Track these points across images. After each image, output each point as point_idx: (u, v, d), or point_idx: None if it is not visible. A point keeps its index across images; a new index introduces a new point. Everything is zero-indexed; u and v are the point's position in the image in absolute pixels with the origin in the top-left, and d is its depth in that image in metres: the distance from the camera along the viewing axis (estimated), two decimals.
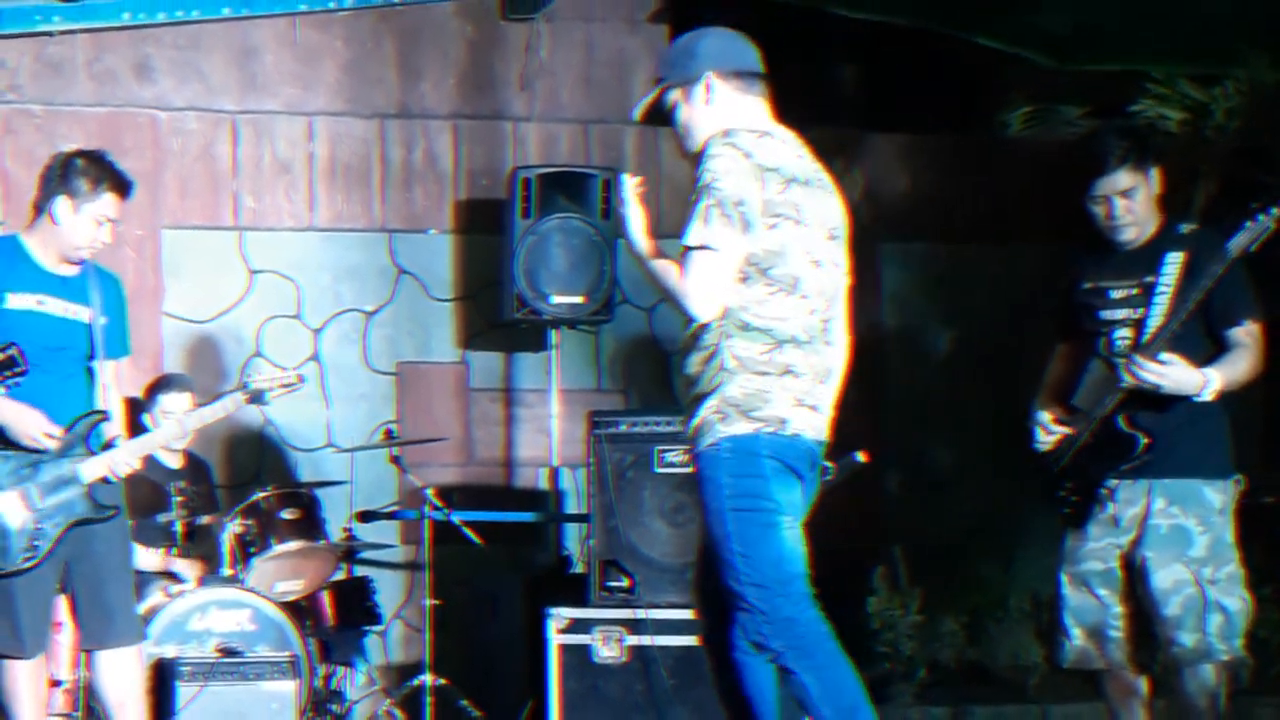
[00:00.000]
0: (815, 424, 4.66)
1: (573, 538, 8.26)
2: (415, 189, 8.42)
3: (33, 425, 5.74)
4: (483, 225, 8.32)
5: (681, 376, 4.72)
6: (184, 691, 6.69)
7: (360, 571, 7.83)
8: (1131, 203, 5.38)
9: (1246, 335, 5.34)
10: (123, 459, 5.86)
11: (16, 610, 5.77)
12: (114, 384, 6.02)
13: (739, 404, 4.56)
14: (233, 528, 7.11)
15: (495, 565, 8.00)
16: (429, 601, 7.39)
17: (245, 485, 7.78)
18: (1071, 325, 5.57)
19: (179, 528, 6.98)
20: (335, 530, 7.56)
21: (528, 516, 8.24)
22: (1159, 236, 5.41)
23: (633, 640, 7.00)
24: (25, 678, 5.84)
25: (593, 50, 8.63)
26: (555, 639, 7.01)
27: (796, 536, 4.62)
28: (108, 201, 5.85)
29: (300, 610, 7.19)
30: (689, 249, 4.54)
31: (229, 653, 6.83)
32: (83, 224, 5.83)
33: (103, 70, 8.09)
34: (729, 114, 4.70)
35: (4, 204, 7.83)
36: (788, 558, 4.57)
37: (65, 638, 6.27)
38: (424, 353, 8.40)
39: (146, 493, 6.95)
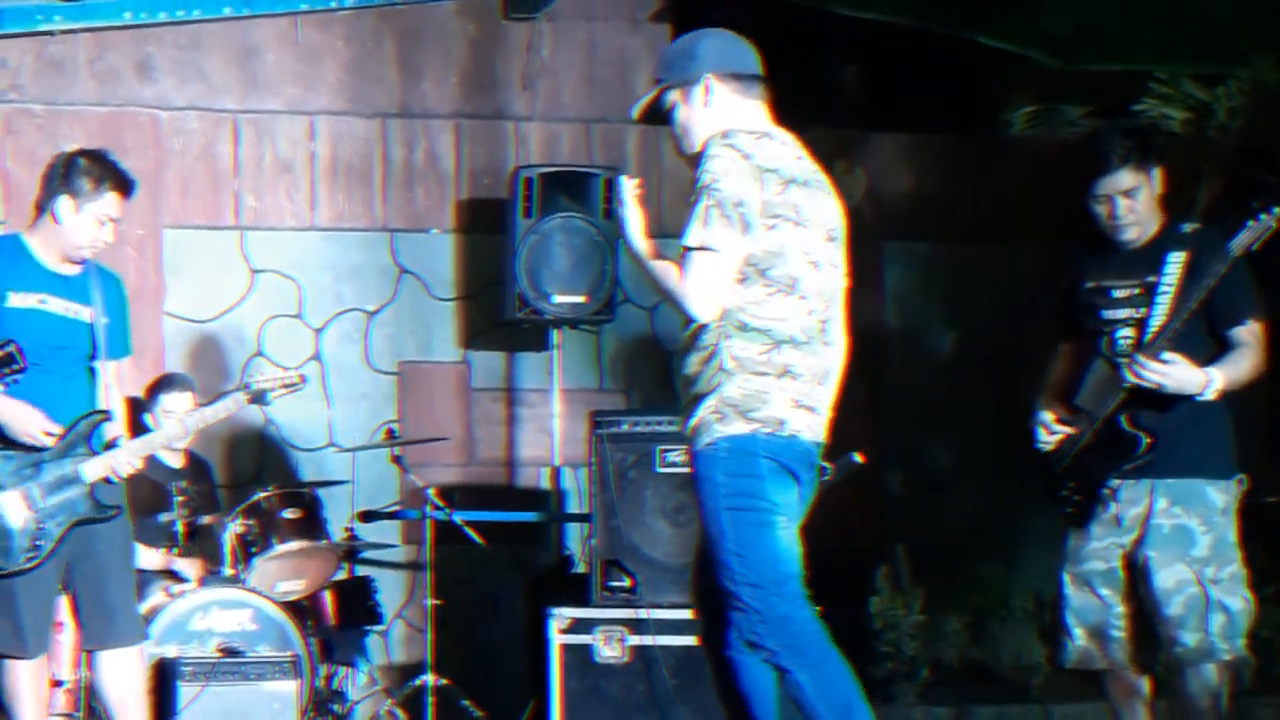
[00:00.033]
0: (813, 425, 4.65)
1: (574, 538, 8.25)
2: (417, 188, 8.41)
3: (31, 423, 5.74)
4: (484, 225, 8.31)
5: (680, 376, 4.72)
6: (185, 691, 6.67)
7: (362, 571, 7.82)
8: (1134, 202, 5.38)
9: (1249, 334, 5.34)
10: (124, 459, 5.86)
11: (18, 610, 5.77)
12: (115, 384, 6.01)
13: (737, 404, 4.56)
14: (234, 527, 7.10)
15: (497, 565, 7.99)
16: (430, 601, 7.38)
17: (247, 485, 7.77)
18: (1074, 325, 5.56)
19: (180, 527, 6.98)
20: (337, 530, 7.55)
21: (529, 516, 8.22)
22: (1161, 236, 5.41)
23: (634, 640, 6.98)
24: (27, 678, 5.83)
25: (594, 49, 8.63)
26: (557, 639, 7.00)
27: (792, 537, 4.62)
28: (110, 201, 5.85)
29: (302, 610, 7.19)
30: (688, 250, 4.54)
31: (230, 652, 6.82)
32: (85, 223, 5.83)
33: (104, 70, 8.08)
34: (727, 116, 4.70)
35: (6, 203, 7.83)
36: (782, 557, 4.56)
37: (67, 638, 6.28)
38: (425, 352, 8.39)
39: (148, 492, 6.94)
